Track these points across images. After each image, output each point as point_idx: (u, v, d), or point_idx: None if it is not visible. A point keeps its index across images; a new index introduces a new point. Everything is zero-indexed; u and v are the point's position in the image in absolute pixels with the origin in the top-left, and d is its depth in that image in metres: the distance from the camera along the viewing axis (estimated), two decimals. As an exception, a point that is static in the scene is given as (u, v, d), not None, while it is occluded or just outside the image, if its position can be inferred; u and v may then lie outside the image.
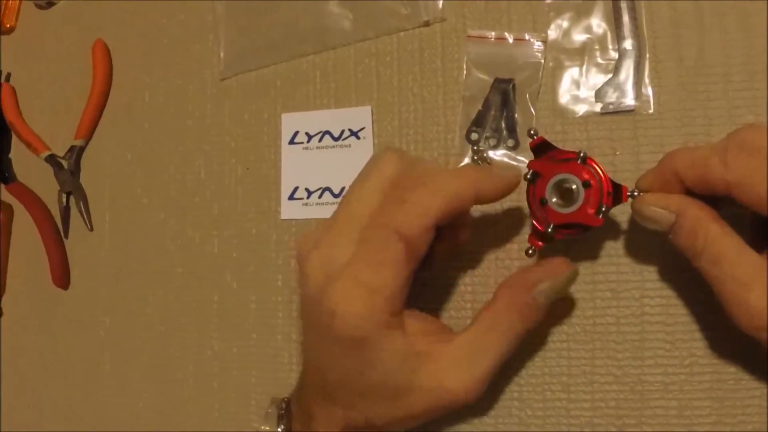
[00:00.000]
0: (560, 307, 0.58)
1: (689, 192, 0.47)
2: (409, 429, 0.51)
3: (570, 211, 0.50)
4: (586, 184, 0.49)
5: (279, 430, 0.55)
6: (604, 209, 0.49)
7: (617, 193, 0.50)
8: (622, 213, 0.56)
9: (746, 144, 0.44)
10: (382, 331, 0.47)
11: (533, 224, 0.52)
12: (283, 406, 0.56)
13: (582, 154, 0.50)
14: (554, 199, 0.51)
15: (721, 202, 0.47)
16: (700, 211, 0.46)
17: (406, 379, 0.48)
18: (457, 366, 0.48)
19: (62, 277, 0.73)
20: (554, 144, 0.52)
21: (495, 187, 0.49)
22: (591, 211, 0.49)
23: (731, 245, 0.45)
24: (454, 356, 0.48)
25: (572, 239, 0.52)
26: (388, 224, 0.46)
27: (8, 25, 0.80)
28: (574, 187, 0.50)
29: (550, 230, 0.50)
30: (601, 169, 0.50)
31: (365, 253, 0.47)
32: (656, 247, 0.48)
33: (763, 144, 0.44)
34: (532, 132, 0.51)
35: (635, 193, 0.49)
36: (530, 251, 0.52)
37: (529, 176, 0.51)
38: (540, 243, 0.52)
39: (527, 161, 0.58)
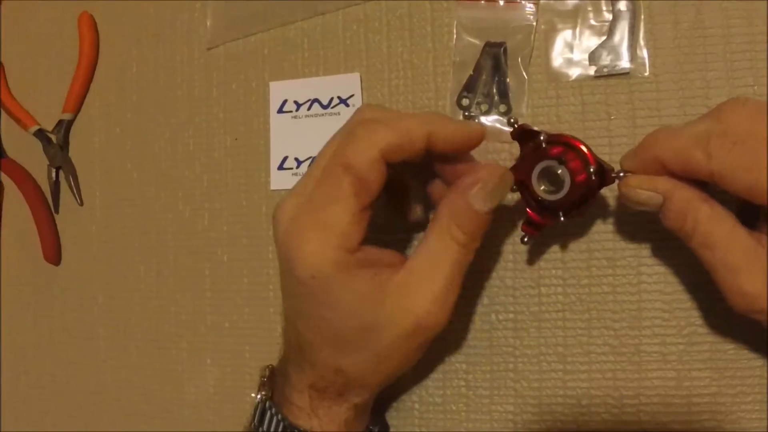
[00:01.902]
0: (554, 275, 0.57)
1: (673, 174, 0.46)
2: (382, 379, 0.51)
3: (560, 196, 0.49)
4: (561, 160, 0.49)
5: (259, 396, 0.55)
6: (592, 170, 0.48)
7: (603, 175, 0.48)
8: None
9: (729, 133, 0.43)
10: (339, 270, 0.47)
11: (527, 212, 0.51)
12: (267, 373, 0.56)
13: (513, 121, 0.50)
14: (542, 187, 0.50)
15: (708, 185, 0.46)
16: (689, 192, 0.45)
17: (368, 316, 0.48)
18: (415, 289, 0.47)
19: (53, 253, 0.73)
20: (535, 128, 0.50)
21: (451, 132, 0.48)
22: (582, 178, 0.48)
23: (722, 228, 0.44)
24: (410, 280, 0.48)
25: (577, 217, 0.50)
26: (339, 160, 0.46)
27: (-6, -1, 0.79)
28: (559, 171, 0.48)
29: (562, 219, 0.49)
30: (586, 147, 0.48)
31: (319, 192, 0.47)
32: (654, 215, 0.46)
33: (746, 130, 0.43)
34: (511, 120, 0.50)
35: (621, 174, 0.48)
36: (525, 239, 0.51)
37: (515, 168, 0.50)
38: (534, 231, 0.51)
39: (520, 127, 0.57)
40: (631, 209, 0.48)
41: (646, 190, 0.46)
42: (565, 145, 0.48)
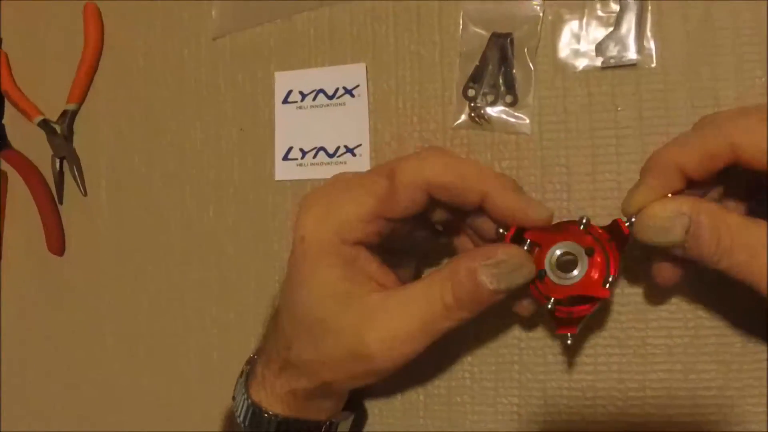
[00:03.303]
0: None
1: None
2: (324, 380, 0.50)
3: (572, 282, 0.46)
4: (589, 252, 0.45)
5: (240, 379, 0.55)
6: (611, 280, 0.45)
7: (616, 232, 0.45)
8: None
9: (746, 112, 0.42)
10: (324, 248, 0.47)
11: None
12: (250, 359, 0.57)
13: (585, 221, 0.45)
14: (552, 271, 0.46)
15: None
16: (713, 205, 0.42)
17: (325, 315, 0.47)
18: (379, 317, 0.46)
19: (57, 244, 0.73)
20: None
21: (508, 205, 0.45)
22: (596, 277, 0.46)
23: (758, 233, 0.40)
24: (381, 307, 0.46)
25: (579, 318, 0.47)
26: (390, 165, 0.47)
27: (-1, -10, 0.79)
28: (574, 257, 0.46)
29: (550, 306, 0.46)
30: (601, 233, 0.46)
31: (356, 179, 0.49)
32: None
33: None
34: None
35: (632, 220, 0.44)
36: (568, 341, 0.47)
37: (526, 247, 0.46)
38: (567, 330, 0.47)
39: (526, 118, 0.57)
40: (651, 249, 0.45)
41: (670, 213, 0.42)
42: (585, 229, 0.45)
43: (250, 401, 0.52)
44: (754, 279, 0.40)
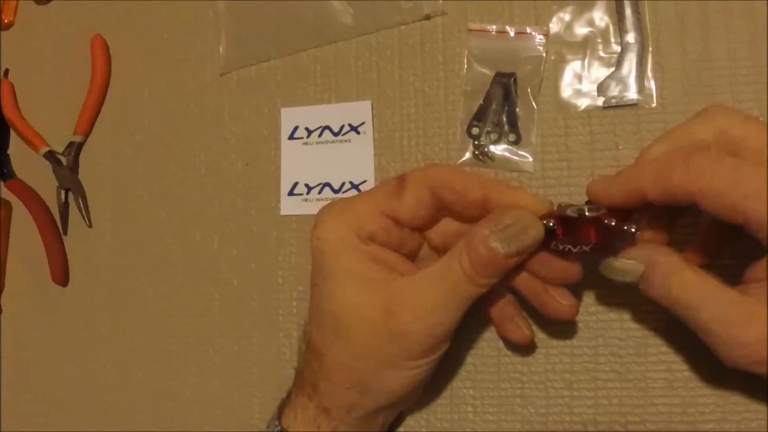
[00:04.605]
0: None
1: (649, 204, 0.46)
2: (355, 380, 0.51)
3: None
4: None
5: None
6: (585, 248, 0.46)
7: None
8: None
9: (707, 151, 0.43)
10: (343, 245, 0.49)
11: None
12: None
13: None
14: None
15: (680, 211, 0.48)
16: (672, 257, 0.45)
17: (353, 308, 0.49)
18: (406, 295, 0.48)
19: (61, 274, 0.73)
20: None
21: (509, 198, 0.48)
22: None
23: (709, 288, 0.44)
24: (407, 287, 0.48)
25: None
26: (400, 175, 0.50)
27: (7, 21, 0.79)
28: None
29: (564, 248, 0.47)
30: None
31: (368, 190, 0.52)
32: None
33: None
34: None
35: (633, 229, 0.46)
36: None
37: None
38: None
39: (529, 157, 0.58)
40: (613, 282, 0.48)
41: (625, 260, 0.47)
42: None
43: (279, 428, 0.53)
44: (697, 328, 0.45)
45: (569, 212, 0.47)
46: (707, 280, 0.44)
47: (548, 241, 0.47)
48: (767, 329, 0.42)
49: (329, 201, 0.63)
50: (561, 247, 0.47)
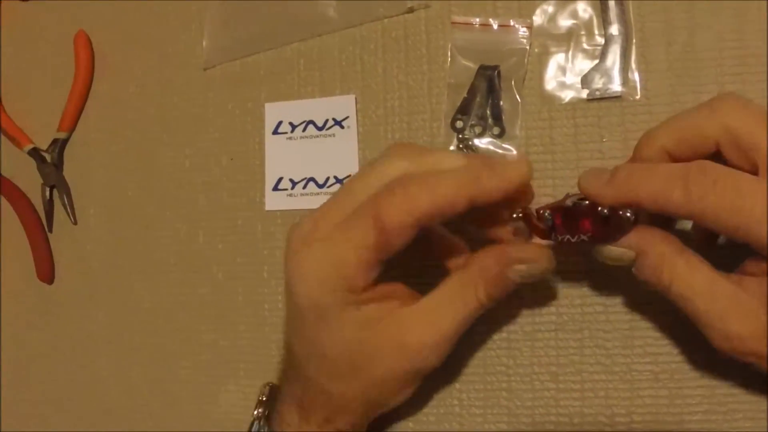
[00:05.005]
0: (547, 295, 0.58)
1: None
2: (370, 408, 0.52)
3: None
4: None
5: (255, 413, 0.56)
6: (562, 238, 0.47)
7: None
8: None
9: (708, 169, 0.42)
10: (338, 305, 0.48)
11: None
12: (266, 390, 0.57)
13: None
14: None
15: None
16: (663, 246, 0.45)
17: (365, 347, 0.48)
18: (419, 324, 0.48)
19: (47, 272, 0.73)
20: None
21: (495, 189, 0.46)
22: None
23: (700, 279, 0.44)
24: (417, 316, 0.48)
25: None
26: (371, 210, 0.46)
27: (-11, 18, 0.79)
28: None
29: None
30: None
31: (342, 229, 0.47)
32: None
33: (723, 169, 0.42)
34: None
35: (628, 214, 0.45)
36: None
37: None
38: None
39: (513, 149, 0.58)
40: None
41: (617, 247, 0.46)
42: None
43: None
44: (691, 315, 0.45)
45: (567, 202, 0.48)
46: (700, 270, 0.44)
47: (547, 232, 0.48)
48: (761, 325, 0.42)
49: (313, 196, 0.63)
50: (560, 237, 0.47)
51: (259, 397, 0.57)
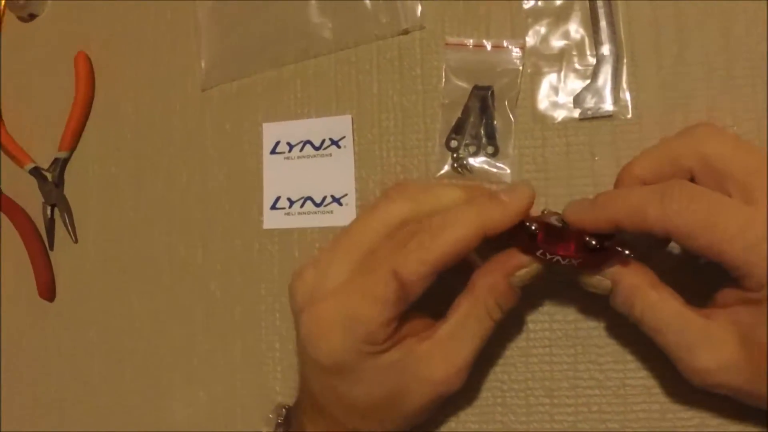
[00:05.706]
0: (541, 311, 0.58)
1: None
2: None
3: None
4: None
5: None
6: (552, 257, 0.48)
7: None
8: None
9: (685, 189, 0.43)
10: (362, 359, 0.47)
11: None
12: (283, 412, 0.58)
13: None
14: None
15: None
16: (636, 278, 0.46)
17: (392, 388, 0.49)
18: (440, 358, 0.49)
19: (48, 290, 0.73)
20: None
21: (505, 219, 0.47)
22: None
23: (670, 312, 0.45)
24: (438, 350, 0.49)
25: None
26: (387, 264, 0.46)
27: (-9, 38, 0.80)
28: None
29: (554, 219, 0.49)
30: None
31: (357, 284, 0.47)
32: (638, 254, 0.47)
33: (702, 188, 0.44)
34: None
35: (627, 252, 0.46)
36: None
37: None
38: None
39: (507, 168, 0.59)
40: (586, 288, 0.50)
41: (595, 275, 0.48)
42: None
43: None
44: (662, 347, 0.47)
45: (553, 220, 0.48)
46: (671, 303, 0.45)
47: (531, 245, 0.48)
48: (729, 357, 0.43)
49: (311, 215, 0.64)
50: (549, 256, 0.47)
51: (277, 418, 0.57)
